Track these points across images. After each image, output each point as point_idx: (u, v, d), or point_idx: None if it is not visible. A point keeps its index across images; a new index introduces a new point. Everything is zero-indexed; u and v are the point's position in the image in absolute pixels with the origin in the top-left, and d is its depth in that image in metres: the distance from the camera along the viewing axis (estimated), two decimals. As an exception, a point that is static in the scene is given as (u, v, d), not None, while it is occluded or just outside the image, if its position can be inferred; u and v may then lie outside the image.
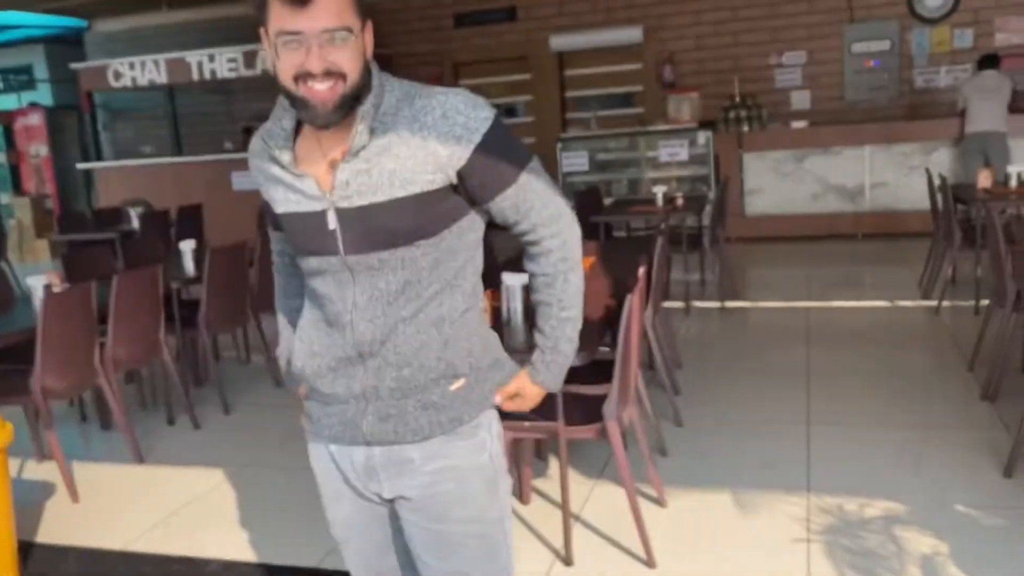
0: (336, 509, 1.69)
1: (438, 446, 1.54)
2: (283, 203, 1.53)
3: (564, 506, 2.88)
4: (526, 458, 3.35)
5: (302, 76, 1.40)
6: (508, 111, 11.33)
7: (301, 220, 1.50)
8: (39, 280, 4.04)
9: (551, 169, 9.99)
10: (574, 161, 9.44)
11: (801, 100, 9.75)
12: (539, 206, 1.54)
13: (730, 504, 3.22)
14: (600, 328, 3.01)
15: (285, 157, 1.50)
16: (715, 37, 9.92)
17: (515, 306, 3.11)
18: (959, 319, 5.44)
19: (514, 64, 10.90)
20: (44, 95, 14.07)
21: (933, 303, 5.71)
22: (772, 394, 4.35)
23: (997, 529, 2.91)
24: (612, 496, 3.29)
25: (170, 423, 4.59)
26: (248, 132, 11.23)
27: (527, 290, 3.15)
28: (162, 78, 10.21)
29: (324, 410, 1.60)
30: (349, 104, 1.42)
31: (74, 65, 10.69)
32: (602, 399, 2.85)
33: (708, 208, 6.54)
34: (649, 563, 2.83)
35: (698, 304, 6.37)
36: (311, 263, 1.53)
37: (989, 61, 7.89)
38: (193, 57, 10.04)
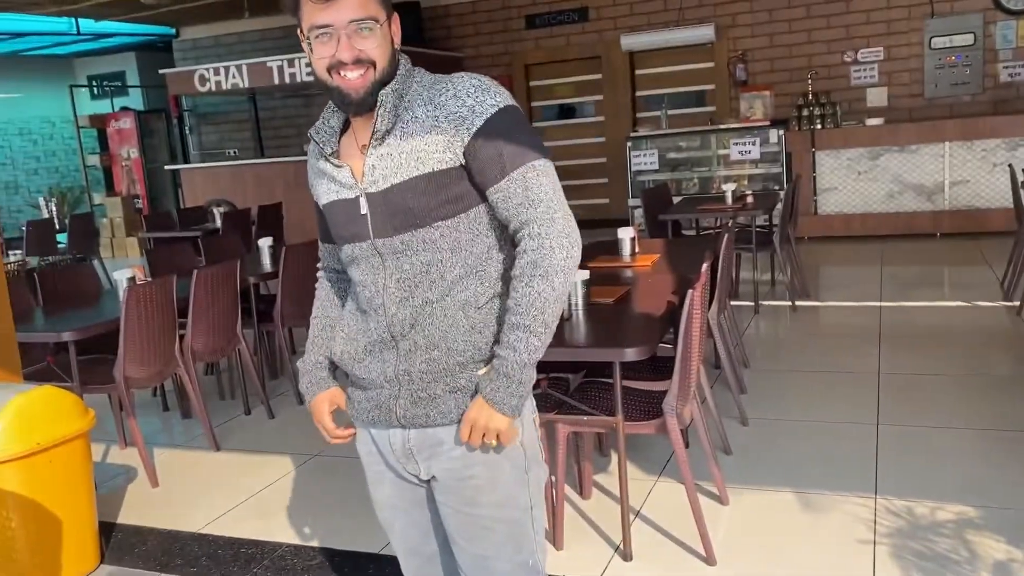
0: (379, 492, 1.76)
1: None
2: (326, 194, 1.63)
3: (623, 500, 2.89)
4: (587, 453, 3.38)
5: (335, 66, 1.49)
6: (571, 110, 11.35)
7: (339, 208, 1.60)
8: (124, 274, 4.26)
9: (620, 167, 9.99)
10: (644, 159, 9.40)
11: (878, 97, 9.50)
12: (529, 205, 1.50)
13: (793, 504, 3.18)
14: (662, 324, 3.01)
15: (328, 150, 1.60)
16: (789, 35, 9.75)
17: (575, 301, 3.14)
18: (1044, 321, 5.24)
19: (584, 64, 10.91)
20: (135, 100, 14.70)
21: (1015, 304, 5.50)
22: (841, 394, 4.27)
23: (1075, 536, 2.81)
24: (673, 493, 3.29)
25: (246, 413, 4.76)
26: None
27: (587, 285, 3.18)
28: (244, 83, 10.55)
29: (362, 395, 1.67)
30: (378, 90, 1.51)
31: (163, 71, 11.15)
32: (662, 395, 2.86)
33: (778, 206, 6.44)
34: (709, 560, 2.83)
35: (767, 303, 6.27)
36: (348, 251, 1.62)
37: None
38: (274, 62, 10.34)
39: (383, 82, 1.52)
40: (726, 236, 4.02)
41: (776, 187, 8.70)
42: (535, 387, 1.61)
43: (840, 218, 8.67)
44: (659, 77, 10.71)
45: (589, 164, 11.16)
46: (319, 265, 1.87)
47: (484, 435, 1.53)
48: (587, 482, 3.37)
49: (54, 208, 9.77)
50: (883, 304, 5.98)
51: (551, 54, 10.96)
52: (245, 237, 6.92)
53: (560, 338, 2.81)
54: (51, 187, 14.24)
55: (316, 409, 1.79)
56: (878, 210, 8.54)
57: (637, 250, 4.20)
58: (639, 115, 10.82)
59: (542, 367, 1.68)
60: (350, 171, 1.58)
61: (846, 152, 8.57)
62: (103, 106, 14.66)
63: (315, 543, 3.18)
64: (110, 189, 13.57)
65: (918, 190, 8.39)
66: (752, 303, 6.14)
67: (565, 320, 3.03)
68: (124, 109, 13.66)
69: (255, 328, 5.00)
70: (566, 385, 3.19)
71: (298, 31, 1.54)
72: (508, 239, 1.59)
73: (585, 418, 2.88)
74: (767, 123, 8.94)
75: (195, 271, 4.21)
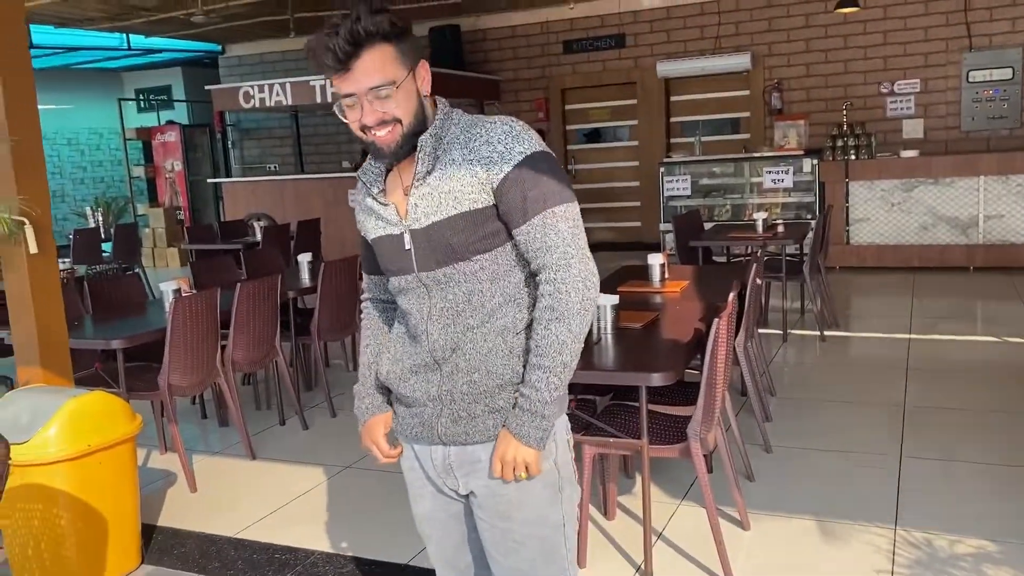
0: (420, 505, 1.87)
1: None
2: (374, 230, 1.75)
3: (645, 520, 2.97)
4: (612, 475, 3.46)
5: (364, 128, 1.61)
6: (606, 133, 11.47)
7: (386, 243, 1.72)
8: (170, 285, 4.44)
9: (653, 191, 10.08)
10: (676, 185, 9.49)
11: (914, 129, 9.51)
12: (547, 251, 1.60)
13: (814, 531, 3.24)
14: (689, 350, 3.10)
15: (375, 190, 1.72)
16: (825, 65, 9.80)
17: (604, 325, 3.24)
18: (1074, 359, 5.23)
19: (620, 90, 11.04)
20: (181, 114, 15.09)
21: (1047, 341, 5.50)
22: (866, 424, 4.31)
23: (1093, 574, 2.84)
24: (695, 517, 3.36)
25: (281, 423, 4.91)
26: (366, 155, 11.77)
27: (616, 309, 3.28)
28: (288, 100, 10.80)
29: (406, 411, 1.79)
30: (411, 141, 1.62)
31: (209, 87, 11.46)
32: (687, 420, 2.94)
33: (809, 235, 6.49)
34: (727, 582, 2.90)
35: (796, 332, 6.31)
36: (396, 282, 1.74)
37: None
38: (316, 81, 10.58)
39: (414, 133, 1.62)
40: (755, 265, 4.10)
41: (808, 216, 8.74)
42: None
43: (872, 249, 8.67)
44: (694, 104, 10.81)
45: (623, 188, 11.26)
46: (364, 296, 1.97)
47: (515, 468, 1.65)
48: (612, 503, 3.45)
49: (100, 218, 10.05)
50: (912, 336, 6.00)
51: (587, 79, 11.11)
52: (284, 251, 7.09)
53: (588, 361, 2.91)
54: (96, 197, 14.63)
55: (371, 430, 1.88)
56: (911, 242, 8.54)
57: (667, 276, 4.29)
58: (673, 140, 10.91)
59: (570, 388, 1.78)
60: (395, 209, 1.69)
61: (880, 183, 8.59)
62: (149, 119, 15.07)
63: (346, 552, 3.29)
64: (153, 200, 13.92)
65: (952, 223, 8.38)
66: (781, 331, 6.19)
67: (594, 344, 3.13)
68: (170, 122, 14.03)
69: (292, 341, 5.15)
70: (593, 407, 3.28)
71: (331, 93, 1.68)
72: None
73: (611, 440, 2.96)
74: (801, 152, 8.99)
75: (238, 284, 4.36)
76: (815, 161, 8.82)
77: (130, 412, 3.21)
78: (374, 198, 1.73)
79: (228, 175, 12.52)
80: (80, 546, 3.02)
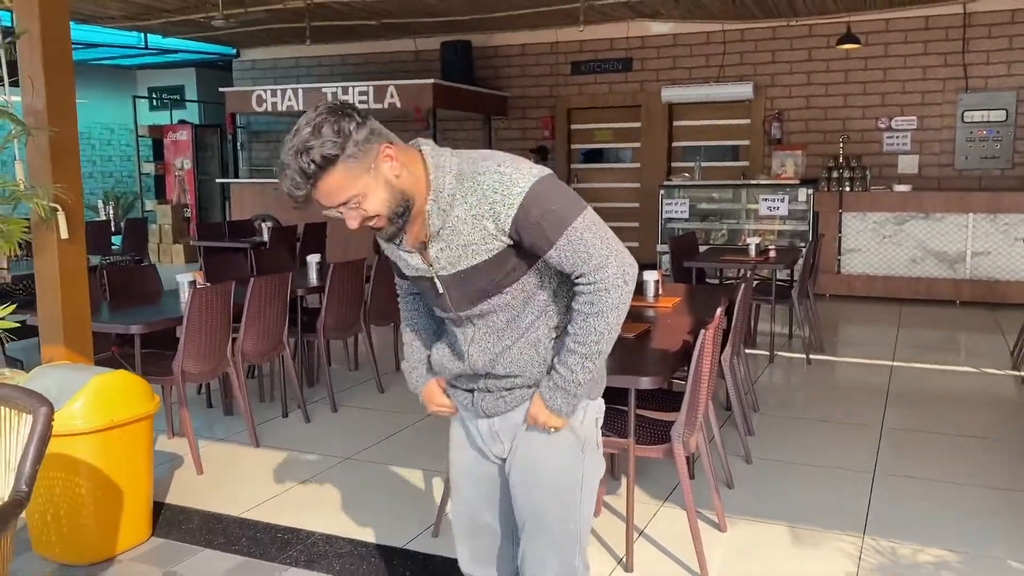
0: (459, 456, 2.09)
1: None
2: (406, 268, 1.92)
3: (628, 516, 3.17)
4: (599, 474, 3.66)
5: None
6: (609, 154, 11.72)
7: (421, 283, 1.91)
8: (186, 277, 4.65)
9: (652, 213, 10.31)
10: (675, 208, 9.73)
11: (909, 165, 9.78)
12: (583, 259, 1.72)
13: (786, 536, 3.44)
14: (677, 359, 3.31)
15: (397, 242, 1.85)
16: (825, 98, 10.08)
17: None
18: (1047, 392, 5.45)
19: (625, 112, 11.31)
20: (192, 114, 15.33)
21: (1021, 373, 5.72)
22: (844, 443, 4.51)
23: (1044, 585, 3.04)
24: (676, 518, 3.56)
25: (284, 416, 5.10)
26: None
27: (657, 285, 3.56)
28: (299, 106, 11.05)
29: (453, 391, 2.03)
30: (403, 216, 1.73)
31: (223, 89, 11.70)
32: (671, 424, 3.15)
33: (800, 261, 6.72)
34: (703, 577, 3.10)
35: (783, 354, 6.53)
36: (438, 312, 1.95)
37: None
38: (328, 88, 10.83)
39: (398, 213, 1.71)
40: (743, 285, 4.32)
41: (801, 244, 8.97)
42: None
43: (862, 279, 8.91)
44: (696, 129, 11.07)
45: (623, 208, 11.50)
46: (399, 292, 2.14)
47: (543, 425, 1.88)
48: (598, 501, 3.65)
49: (111, 211, 10.26)
50: (895, 363, 6.22)
51: (593, 100, 11.38)
52: (291, 252, 7.31)
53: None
54: (106, 192, 14.84)
55: (431, 390, 2.06)
56: (900, 274, 8.78)
57: (660, 292, 4.51)
58: (674, 164, 11.17)
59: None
60: (420, 257, 1.85)
61: (872, 215, 8.84)
62: (160, 117, 15.31)
63: (345, 535, 3.48)
64: (161, 197, 14.14)
65: (940, 257, 8.63)
66: (768, 353, 6.40)
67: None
68: (182, 122, 14.27)
69: (298, 337, 5.35)
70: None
71: None
72: (567, 281, 1.84)
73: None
74: (797, 181, 9.25)
75: (252, 279, 4.57)
76: (810, 191, 9.08)
77: (149, 392, 3.41)
78: (399, 247, 1.87)
79: (236, 176, 12.74)
80: (97, 515, 3.21)
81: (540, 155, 11.13)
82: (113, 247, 9.09)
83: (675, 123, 11.15)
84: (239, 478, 4.15)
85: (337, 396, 5.32)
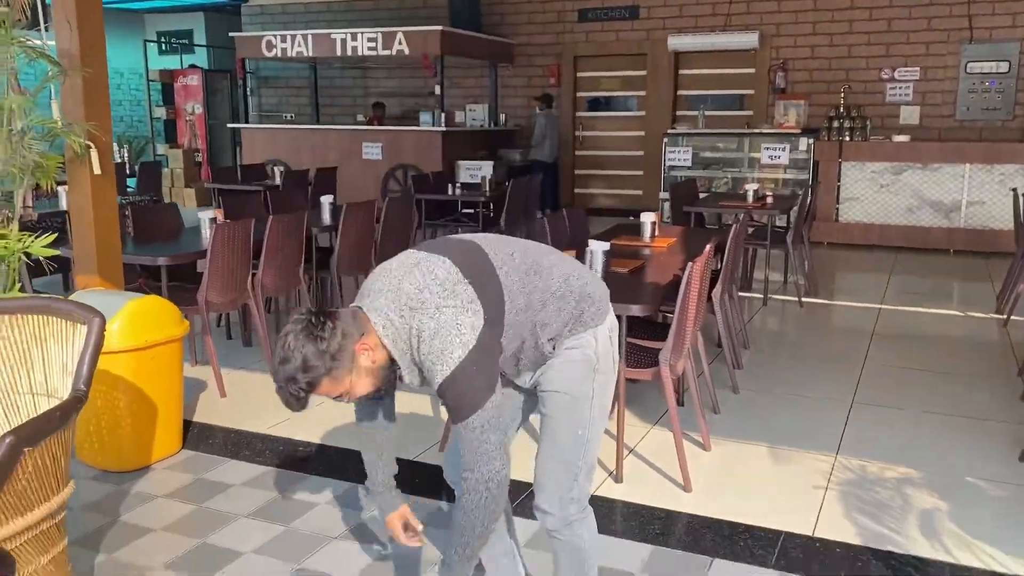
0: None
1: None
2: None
3: (619, 434, 3.47)
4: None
5: None
6: (615, 102, 11.85)
7: None
8: (207, 213, 4.92)
9: (656, 162, 10.50)
10: (678, 156, 9.91)
11: (910, 115, 9.92)
12: (466, 450, 1.90)
13: (765, 455, 3.74)
14: (666, 290, 3.58)
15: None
16: (829, 48, 10.17)
17: (596, 268, 3.72)
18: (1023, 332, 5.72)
19: (631, 60, 11.42)
20: (201, 58, 15.42)
21: (1004, 316, 5.97)
22: (826, 376, 4.80)
23: (997, 499, 3.34)
24: (663, 439, 3.86)
25: (299, 347, 5.38)
26: (377, 107, 12.17)
27: (607, 255, 3.76)
28: (308, 51, 11.16)
29: None
30: (388, 379, 2.01)
31: (233, 34, 11.81)
32: (660, 351, 3.42)
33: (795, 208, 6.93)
34: (686, 488, 3.39)
35: (777, 297, 6.79)
36: None
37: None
38: (337, 34, 10.93)
39: (385, 379, 1.98)
40: (735, 226, 4.56)
41: (801, 192, 9.16)
42: None
43: (860, 227, 9.12)
44: (701, 78, 11.19)
45: (627, 156, 11.68)
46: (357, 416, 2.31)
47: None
48: (592, 423, 3.94)
49: (126, 155, 10.48)
50: (883, 307, 6.48)
51: (600, 48, 11.48)
52: (303, 195, 7.54)
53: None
54: (118, 136, 15.02)
55: (391, 525, 2.25)
56: (896, 222, 8.99)
57: (656, 233, 4.76)
58: (679, 113, 11.31)
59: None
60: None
61: (871, 165, 9.02)
62: (169, 62, 15.41)
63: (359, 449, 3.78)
64: (172, 141, 14.33)
65: (936, 207, 8.83)
66: (762, 296, 6.66)
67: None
68: (192, 66, 14.38)
69: (313, 274, 5.62)
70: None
71: None
72: (542, 311, 2.06)
73: (594, 362, 3.44)
74: (799, 131, 9.40)
75: (270, 217, 4.83)
76: (811, 140, 9.24)
77: (179, 316, 3.69)
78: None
79: (247, 121, 12.92)
80: (134, 427, 3.51)
81: (545, 102, 11.27)
82: (129, 189, 9.31)
83: (681, 71, 11.26)
84: (259, 401, 4.45)
85: (349, 330, 5.60)
